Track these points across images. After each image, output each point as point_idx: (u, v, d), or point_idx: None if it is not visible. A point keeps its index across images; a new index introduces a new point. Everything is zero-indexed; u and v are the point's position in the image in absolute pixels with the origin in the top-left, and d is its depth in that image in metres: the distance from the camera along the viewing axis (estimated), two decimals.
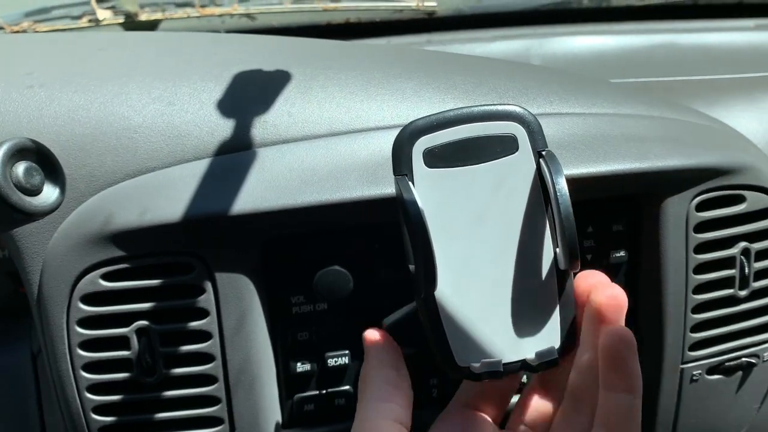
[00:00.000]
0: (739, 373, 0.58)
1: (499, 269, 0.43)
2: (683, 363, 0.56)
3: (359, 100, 0.51)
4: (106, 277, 0.47)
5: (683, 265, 0.53)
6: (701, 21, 0.90)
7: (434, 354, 0.43)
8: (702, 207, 0.53)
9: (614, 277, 0.54)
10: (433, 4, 0.89)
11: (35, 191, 0.36)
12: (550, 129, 0.50)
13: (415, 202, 0.40)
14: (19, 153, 0.35)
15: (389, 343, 0.43)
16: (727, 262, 0.55)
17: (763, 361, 0.58)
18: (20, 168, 0.35)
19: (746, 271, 0.55)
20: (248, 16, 0.92)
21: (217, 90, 0.50)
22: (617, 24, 0.90)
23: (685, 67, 0.84)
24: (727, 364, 0.57)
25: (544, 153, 0.42)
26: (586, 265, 0.52)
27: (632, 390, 0.39)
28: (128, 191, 0.47)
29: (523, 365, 0.43)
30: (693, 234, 0.53)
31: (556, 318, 0.43)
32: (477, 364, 0.42)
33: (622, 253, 0.54)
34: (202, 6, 0.93)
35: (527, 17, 0.90)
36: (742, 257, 0.55)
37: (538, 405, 0.45)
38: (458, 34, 0.87)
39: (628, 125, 0.54)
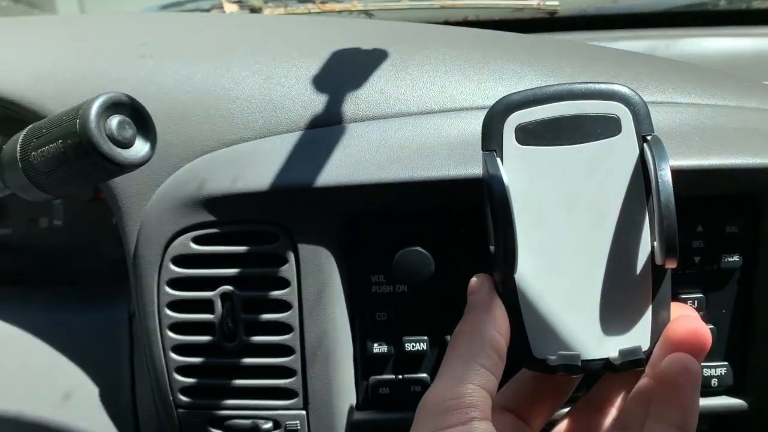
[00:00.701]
0: None
1: (588, 259, 0.40)
2: None
3: (455, 79, 0.50)
4: (197, 240, 0.48)
5: None
6: None
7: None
8: None
9: (725, 284, 0.49)
10: (555, 3, 0.86)
11: (127, 144, 0.37)
12: (659, 117, 0.46)
13: (500, 178, 0.38)
14: (113, 107, 0.37)
15: (500, 304, 0.39)
16: None
17: None
18: (114, 121, 0.37)
19: None
20: (366, 12, 0.93)
21: (313, 66, 0.51)
22: (754, 28, 0.83)
23: None
24: None
25: (649, 138, 0.39)
26: (693, 268, 0.48)
27: (684, 426, 0.35)
28: (223, 159, 0.49)
29: (606, 364, 0.39)
30: None
31: (647, 317, 0.39)
32: (553, 357, 0.39)
33: (735, 258, 0.49)
34: (323, 2, 0.96)
35: (655, 19, 0.85)
36: None
37: (584, 425, 0.41)
38: (579, 35, 0.84)
39: (751, 119, 0.49)
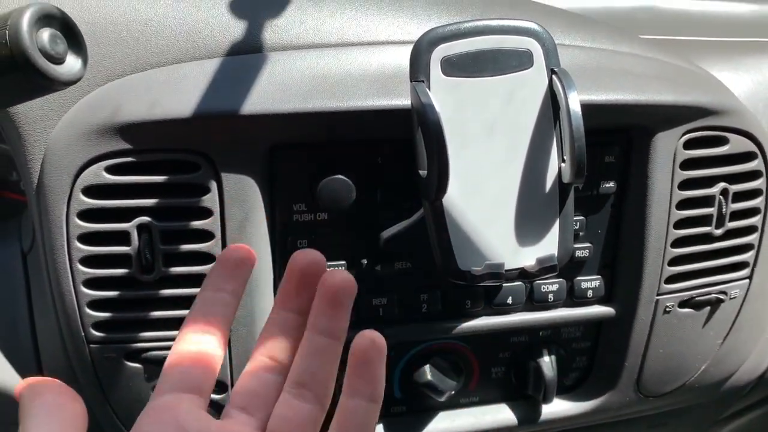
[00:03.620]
0: (708, 309, 0.61)
1: (505, 180, 0.44)
2: (659, 294, 0.58)
3: (371, 14, 0.51)
4: (110, 170, 0.46)
5: (667, 200, 0.56)
6: None
7: (436, 259, 0.45)
8: (689, 145, 0.56)
9: (601, 208, 0.57)
10: None
11: (59, 59, 0.35)
12: None
13: (433, 106, 0.41)
14: (44, 19, 0.34)
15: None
16: (707, 201, 0.57)
17: (730, 299, 0.61)
18: (45, 34, 0.34)
19: (723, 210, 0.58)
20: None
21: None
22: None
23: (665, 28, 0.87)
24: (697, 298, 0.60)
25: (557, 70, 0.44)
26: (577, 193, 0.55)
27: (374, 398, 0.37)
28: (137, 84, 0.47)
29: (521, 272, 0.44)
30: (679, 170, 0.56)
31: (555, 229, 0.45)
32: (478, 268, 0.43)
33: (611, 184, 0.56)
34: None
35: None
36: (720, 197, 0.57)
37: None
38: None
39: (625, 61, 0.56)
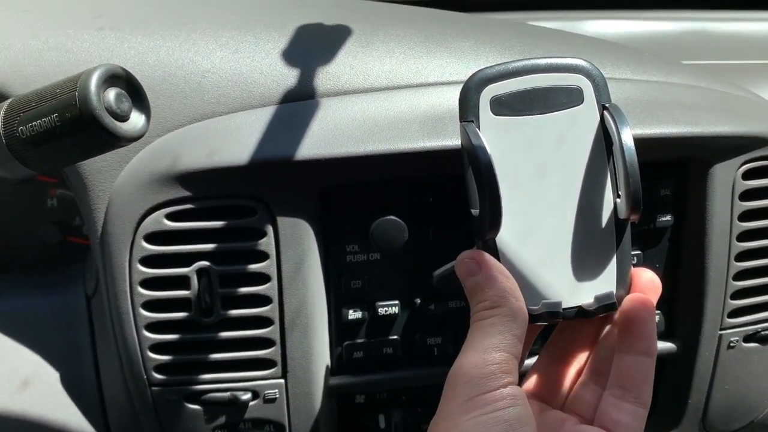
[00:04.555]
0: None
1: (559, 217, 0.44)
2: (722, 329, 0.57)
3: (419, 56, 0.52)
4: (171, 216, 0.48)
5: (727, 232, 0.55)
6: (730, 12, 0.91)
7: None
8: (748, 175, 0.54)
9: (659, 242, 0.55)
10: None
11: (124, 117, 0.37)
12: None
13: (483, 147, 0.41)
14: (110, 79, 0.36)
15: (510, 275, 0.41)
16: None
17: None
18: (111, 93, 0.36)
19: None
20: None
21: (280, 41, 0.52)
22: (647, 11, 0.91)
23: (715, 52, 0.85)
24: (763, 332, 0.58)
25: (608, 106, 0.44)
26: (633, 227, 0.54)
27: (648, 353, 0.42)
28: (196, 134, 0.48)
29: (579, 311, 0.44)
30: (738, 201, 0.54)
31: (613, 266, 0.44)
32: (536, 307, 0.43)
33: (668, 218, 0.55)
34: None
35: (554, 2, 0.91)
36: None
37: (557, 375, 0.46)
38: (501, 15, 0.88)
39: (678, 93, 0.55)
